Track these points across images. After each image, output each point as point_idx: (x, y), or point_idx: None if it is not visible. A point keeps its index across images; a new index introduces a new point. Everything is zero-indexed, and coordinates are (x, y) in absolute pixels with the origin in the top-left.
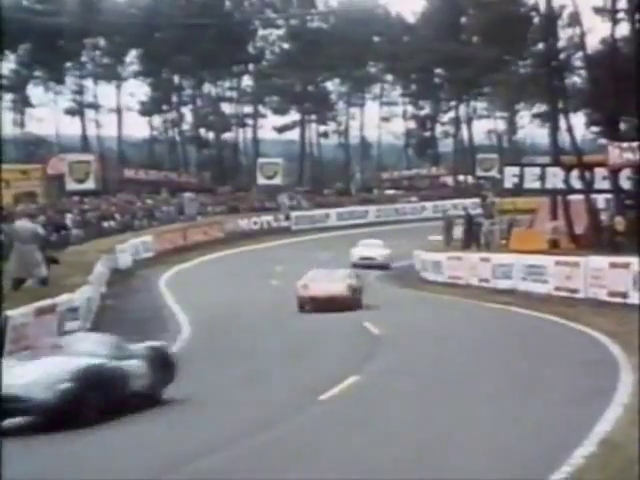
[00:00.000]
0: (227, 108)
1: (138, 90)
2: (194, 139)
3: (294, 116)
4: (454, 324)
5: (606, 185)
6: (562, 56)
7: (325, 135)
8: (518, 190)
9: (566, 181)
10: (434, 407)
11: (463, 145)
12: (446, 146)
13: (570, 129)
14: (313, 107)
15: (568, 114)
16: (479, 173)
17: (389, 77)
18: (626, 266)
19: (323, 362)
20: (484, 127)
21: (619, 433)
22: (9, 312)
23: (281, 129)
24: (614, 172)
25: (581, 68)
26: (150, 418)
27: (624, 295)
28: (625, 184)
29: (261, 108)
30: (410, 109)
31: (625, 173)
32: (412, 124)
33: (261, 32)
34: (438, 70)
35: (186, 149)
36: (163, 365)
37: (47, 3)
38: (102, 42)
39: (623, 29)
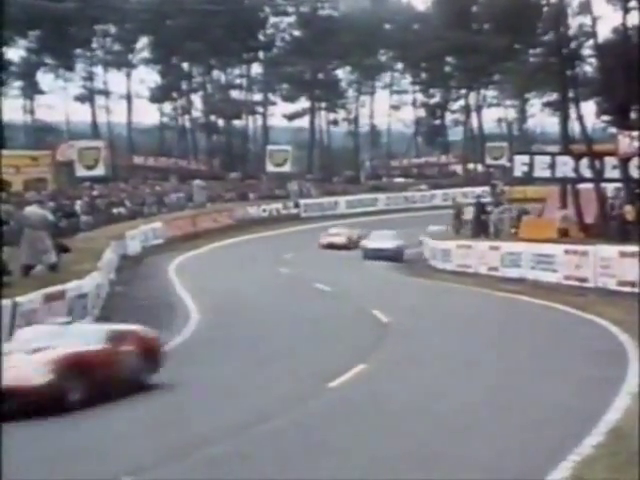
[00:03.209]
0: (237, 95)
1: (148, 77)
2: (204, 126)
3: (304, 104)
4: (462, 313)
5: (616, 174)
6: (573, 45)
7: (335, 123)
8: (528, 178)
9: (576, 170)
10: (441, 395)
11: (473, 133)
12: (456, 134)
13: (580, 118)
14: (323, 95)
15: (578, 103)
16: (489, 161)
17: (399, 65)
18: (635, 255)
19: (332, 350)
20: (494, 115)
21: (628, 422)
22: (18, 298)
23: (291, 117)
24: (624, 161)
25: (592, 57)
26: (159, 403)
27: (633, 284)
28: (635, 173)
29: (271, 95)
30: (420, 97)
31: (635, 162)
32: (422, 112)
33: (272, 19)
34: (448, 58)
35: (196, 136)
36: None
37: None
38: (112, 29)
39: (634, 18)
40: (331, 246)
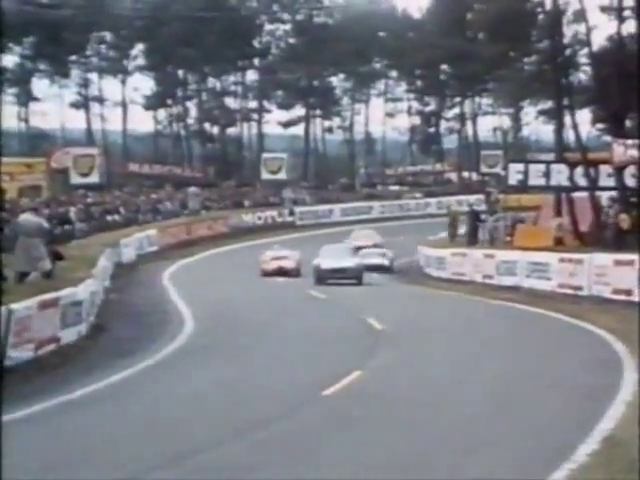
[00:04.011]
0: (232, 103)
1: (143, 84)
2: (198, 133)
3: (299, 111)
4: (456, 320)
5: (611, 182)
6: (568, 53)
7: (330, 130)
8: (523, 187)
9: (571, 178)
10: (437, 404)
11: (468, 141)
12: (451, 142)
13: (575, 126)
14: (318, 102)
15: (573, 111)
16: (483, 169)
17: (394, 73)
18: (630, 263)
19: (326, 357)
20: (489, 123)
21: (622, 431)
22: (13, 305)
23: (286, 124)
24: (619, 169)
25: (587, 65)
26: (153, 411)
27: (628, 293)
28: (630, 181)
29: (266, 103)
30: (415, 105)
31: (630, 170)
32: (417, 120)
33: (267, 27)
34: (443, 66)
35: (190, 143)
36: None
37: None
38: (107, 36)
39: (629, 26)
40: (280, 272)
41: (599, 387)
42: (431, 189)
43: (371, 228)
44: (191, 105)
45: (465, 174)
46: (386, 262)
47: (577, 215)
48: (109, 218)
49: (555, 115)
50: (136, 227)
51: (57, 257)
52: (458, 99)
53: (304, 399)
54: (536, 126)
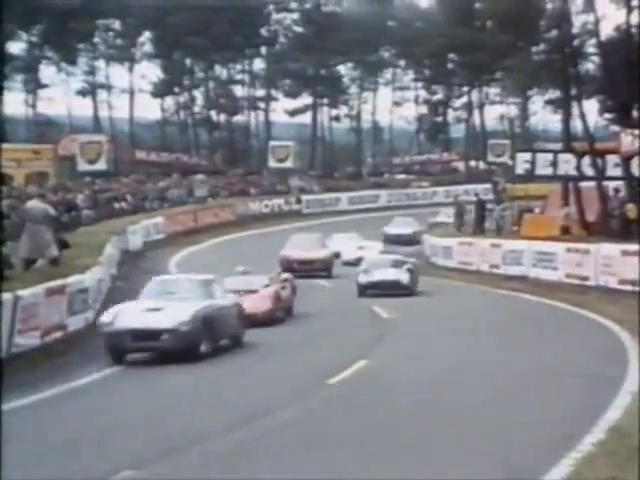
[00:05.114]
0: (239, 91)
1: (150, 72)
2: (205, 121)
3: (306, 99)
4: (462, 309)
5: (618, 172)
6: (576, 42)
7: (337, 119)
8: (530, 176)
9: (578, 168)
10: (442, 392)
11: (475, 130)
12: (458, 131)
13: (583, 116)
14: (325, 91)
15: (581, 101)
16: (491, 159)
17: (402, 62)
18: (637, 254)
19: (332, 346)
20: (496, 113)
21: (628, 421)
22: (20, 292)
23: (293, 112)
24: (626, 159)
25: (595, 55)
26: (158, 399)
27: (634, 283)
28: (637, 171)
29: (273, 91)
30: (422, 94)
31: (637, 160)
32: (424, 109)
33: (275, 16)
34: (451, 55)
35: (197, 131)
36: None
37: None
38: (115, 23)
39: (637, 16)
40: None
41: (605, 377)
42: (438, 178)
43: (317, 232)
44: (198, 93)
45: (472, 163)
46: (404, 277)
47: (584, 205)
48: (116, 205)
49: (563, 105)
50: (143, 214)
51: (62, 245)
52: (466, 88)
53: (310, 388)
54: (543, 116)
